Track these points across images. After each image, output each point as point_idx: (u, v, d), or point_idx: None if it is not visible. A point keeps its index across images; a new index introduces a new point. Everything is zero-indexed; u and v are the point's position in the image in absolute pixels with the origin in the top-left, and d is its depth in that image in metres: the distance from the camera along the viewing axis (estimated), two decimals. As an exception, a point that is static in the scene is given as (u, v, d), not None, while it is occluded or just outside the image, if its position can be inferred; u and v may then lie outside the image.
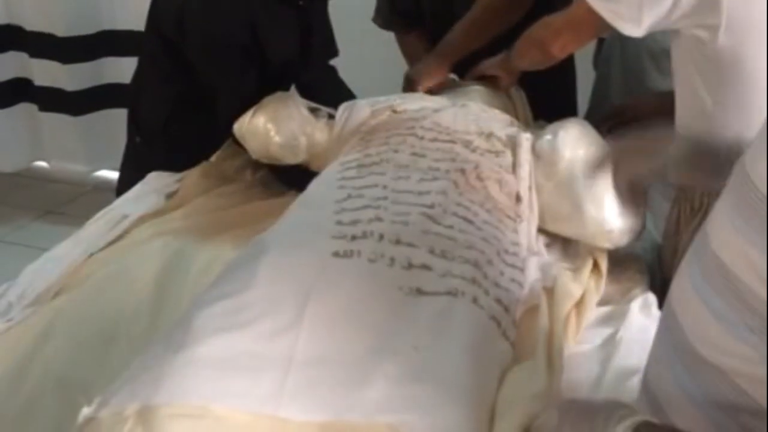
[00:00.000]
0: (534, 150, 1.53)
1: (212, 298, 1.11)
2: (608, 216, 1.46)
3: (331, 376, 1.01)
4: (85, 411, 0.95)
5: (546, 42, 1.51)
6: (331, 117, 1.75)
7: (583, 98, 2.08)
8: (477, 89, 1.82)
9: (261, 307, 1.08)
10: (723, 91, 1.32)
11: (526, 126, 1.76)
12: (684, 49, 1.34)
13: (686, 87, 1.37)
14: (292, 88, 2.05)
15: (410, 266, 1.18)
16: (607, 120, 1.73)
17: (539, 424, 0.94)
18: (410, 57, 2.08)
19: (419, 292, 1.14)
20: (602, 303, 1.40)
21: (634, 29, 1.30)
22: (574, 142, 1.51)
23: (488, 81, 1.84)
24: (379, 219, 1.26)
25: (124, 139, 2.08)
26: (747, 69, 1.29)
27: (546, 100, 1.86)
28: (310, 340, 1.04)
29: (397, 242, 1.21)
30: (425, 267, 1.18)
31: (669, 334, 0.84)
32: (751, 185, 0.72)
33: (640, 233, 1.50)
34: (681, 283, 0.83)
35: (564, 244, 1.52)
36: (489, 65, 1.82)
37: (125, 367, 1.06)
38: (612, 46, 1.97)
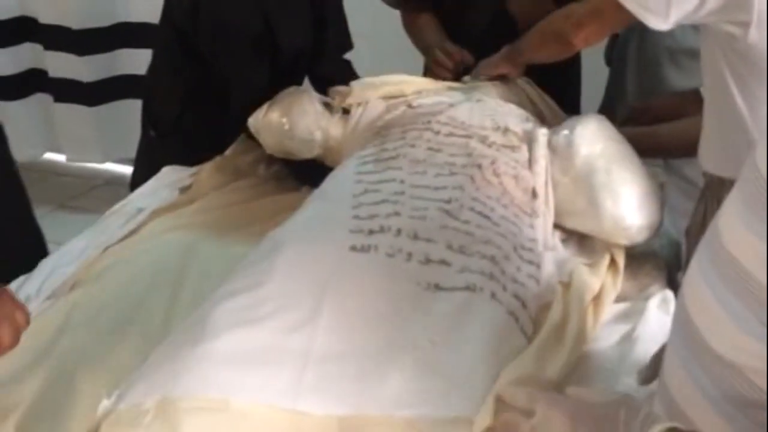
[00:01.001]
0: (550, 145, 1.52)
1: (230, 292, 1.12)
2: (625, 212, 1.44)
3: (349, 371, 1.01)
4: (105, 403, 0.96)
5: (568, 33, 1.49)
6: (346, 112, 1.74)
7: (591, 94, 2.06)
8: (492, 83, 1.81)
9: (279, 301, 1.08)
10: (753, 86, 1.30)
11: (553, 113, 1.74)
12: (714, 44, 1.32)
13: (716, 83, 1.35)
14: (307, 83, 2.04)
15: (428, 261, 1.18)
16: (628, 121, 1.70)
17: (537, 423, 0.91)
18: (418, 40, 2.05)
19: (437, 287, 1.14)
20: (619, 300, 1.39)
21: (660, 23, 1.28)
22: (591, 137, 1.50)
23: (495, 79, 1.80)
24: (396, 214, 1.26)
25: (138, 130, 2.07)
26: None
27: (550, 94, 1.84)
28: (327, 335, 1.05)
29: (415, 237, 1.21)
30: (443, 262, 1.18)
31: (682, 329, 0.83)
32: (759, 175, 0.71)
33: (657, 230, 1.48)
34: (692, 279, 0.83)
35: (580, 240, 1.51)
36: (494, 63, 1.77)
37: (141, 360, 1.06)
38: (628, 42, 1.95)
